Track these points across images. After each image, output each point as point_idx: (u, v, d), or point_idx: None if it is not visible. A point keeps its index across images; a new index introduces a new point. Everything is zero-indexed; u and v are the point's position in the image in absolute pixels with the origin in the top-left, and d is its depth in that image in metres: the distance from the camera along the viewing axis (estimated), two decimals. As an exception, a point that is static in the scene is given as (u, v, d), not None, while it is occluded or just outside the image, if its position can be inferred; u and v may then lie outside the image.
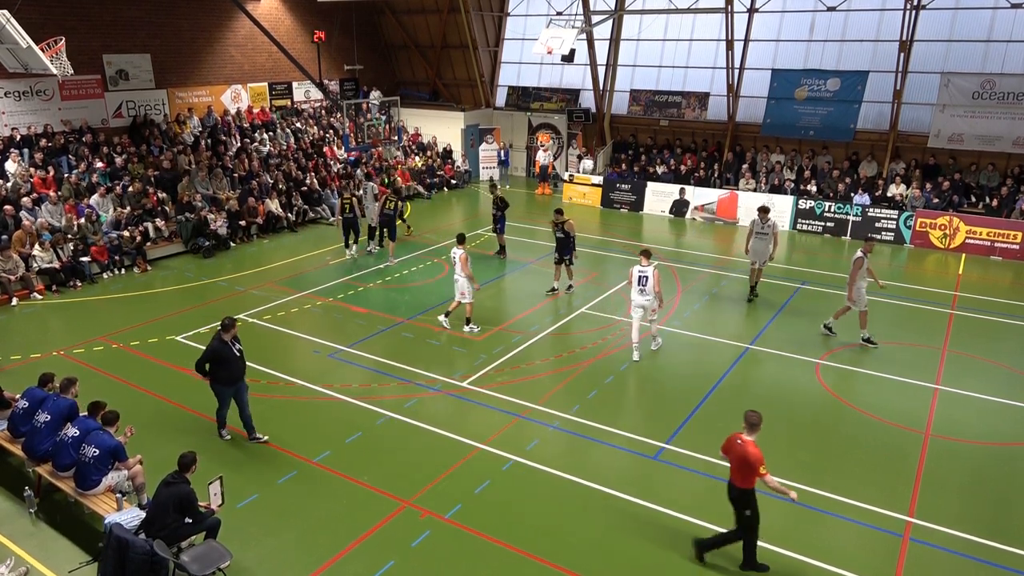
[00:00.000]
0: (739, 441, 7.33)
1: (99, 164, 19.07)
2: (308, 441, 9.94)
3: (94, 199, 17.85)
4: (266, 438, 9.91)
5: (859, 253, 12.92)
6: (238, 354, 9.50)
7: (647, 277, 12.25)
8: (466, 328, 13.70)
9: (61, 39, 14.55)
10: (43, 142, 18.82)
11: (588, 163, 25.63)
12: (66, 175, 18.26)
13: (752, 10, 23.11)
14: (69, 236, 16.52)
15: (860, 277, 12.90)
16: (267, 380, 11.74)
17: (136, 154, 20.18)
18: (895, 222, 20.18)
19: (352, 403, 10.99)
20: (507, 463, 9.49)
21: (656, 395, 11.57)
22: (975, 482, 9.24)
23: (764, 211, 15.11)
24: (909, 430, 10.40)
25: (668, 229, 22.13)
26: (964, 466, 9.61)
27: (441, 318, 13.94)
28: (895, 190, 20.91)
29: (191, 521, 7.23)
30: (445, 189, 26.72)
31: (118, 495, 7.90)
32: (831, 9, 22.41)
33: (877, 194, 21.10)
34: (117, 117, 20.95)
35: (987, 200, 19.95)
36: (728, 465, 7.54)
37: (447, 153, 28.19)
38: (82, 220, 16.99)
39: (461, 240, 13.61)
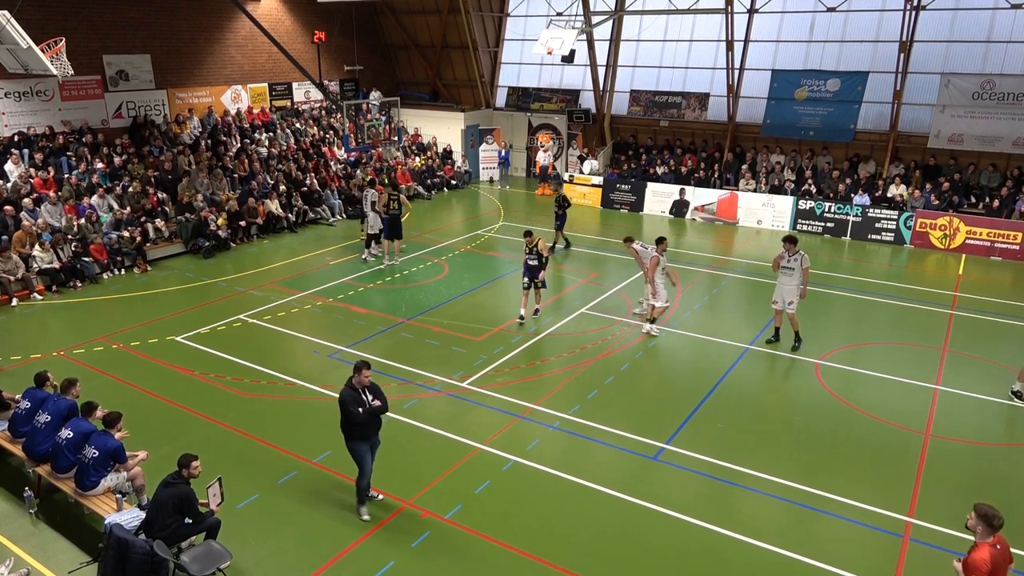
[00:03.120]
0: (998, 547, 5.80)
1: (99, 164, 19.08)
2: (308, 441, 9.94)
3: (94, 199, 17.85)
4: (380, 497, 8.74)
5: None
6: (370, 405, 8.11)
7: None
8: (645, 327, 13.63)
9: (61, 40, 14.56)
10: (43, 142, 18.83)
11: (590, 164, 25.58)
12: (66, 176, 18.26)
13: (752, 11, 23.12)
14: (69, 236, 16.52)
15: None
16: (267, 380, 11.75)
17: (136, 154, 20.18)
18: (895, 223, 20.19)
19: (352, 403, 10.97)
20: (507, 463, 9.49)
21: (656, 395, 11.56)
22: (975, 482, 9.24)
23: (791, 241, 12.79)
24: (909, 430, 10.40)
25: (668, 229, 22.13)
26: (964, 466, 9.61)
27: (648, 327, 13.68)
28: (895, 190, 20.91)
29: (191, 521, 7.23)
30: (445, 189, 26.72)
31: (118, 496, 7.89)
32: (831, 10, 22.41)
33: (877, 194, 21.11)
34: (117, 118, 20.96)
35: (987, 201, 19.95)
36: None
37: (447, 153, 28.20)
38: (82, 220, 16.99)
39: (659, 242, 13.43)
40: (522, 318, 14.24)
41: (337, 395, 8.19)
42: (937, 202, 20.27)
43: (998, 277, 17.54)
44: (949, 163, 21.18)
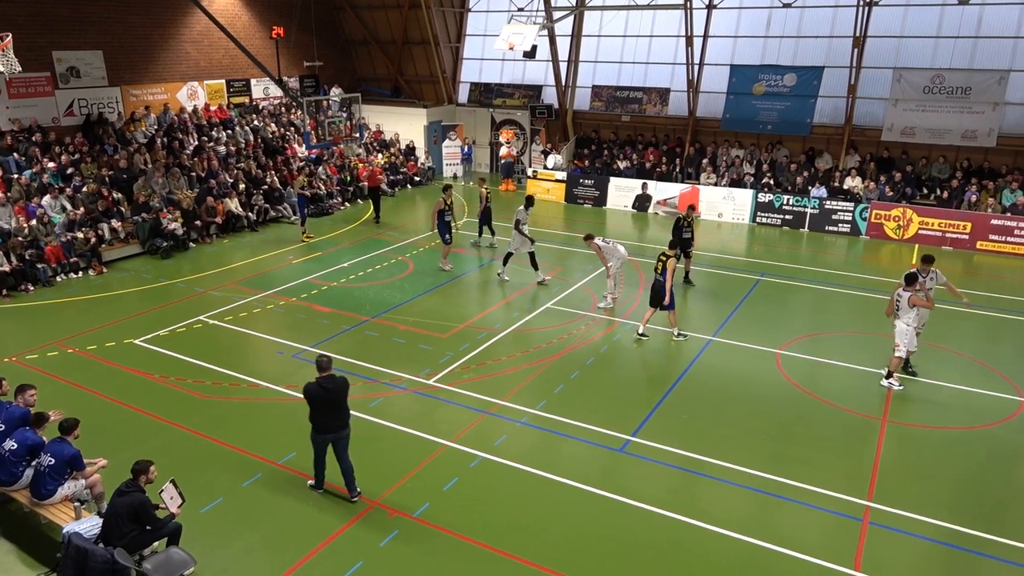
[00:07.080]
0: None
1: (50, 164, 18.53)
2: (272, 443, 9.81)
3: (45, 200, 17.33)
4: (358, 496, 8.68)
5: None
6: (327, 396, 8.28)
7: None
8: (884, 382, 11.54)
9: (8, 35, 14.12)
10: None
11: (553, 159, 25.59)
12: (15, 176, 17.70)
13: (711, 6, 23.41)
14: (20, 239, 16.01)
15: None
16: (229, 382, 11.56)
17: (89, 153, 19.65)
18: (851, 214, 20.65)
19: (317, 403, 10.85)
20: (475, 460, 9.49)
21: (621, 388, 11.66)
22: (932, 466, 9.51)
23: (928, 261, 11.90)
24: (867, 416, 10.66)
25: (631, 224, 22.33)
26: (921, 451, 9.90)
27: (889, 382, 11.52)
28: (851, 183, 21.39)
29: (150, 528, 7.08)
30: (409, 186, 26.54)
31: (76, 504, 7.70)
32: (787, 5, 22.80)
33: (834, 185, 21.57)
34: (69, 115, 20.37)
35: (938, 192, 20.54)
36: None
37: (410, 150, 28.01)
38: (33, 222, 16.49)
39: (910, 281, 11.48)
40: (642, 335, 13.33)
41: (301, 395, 8.11)
42: (891, 193, 20.79)
43: (949, 266, 18.03)
44: (902, 156, 21.73)
